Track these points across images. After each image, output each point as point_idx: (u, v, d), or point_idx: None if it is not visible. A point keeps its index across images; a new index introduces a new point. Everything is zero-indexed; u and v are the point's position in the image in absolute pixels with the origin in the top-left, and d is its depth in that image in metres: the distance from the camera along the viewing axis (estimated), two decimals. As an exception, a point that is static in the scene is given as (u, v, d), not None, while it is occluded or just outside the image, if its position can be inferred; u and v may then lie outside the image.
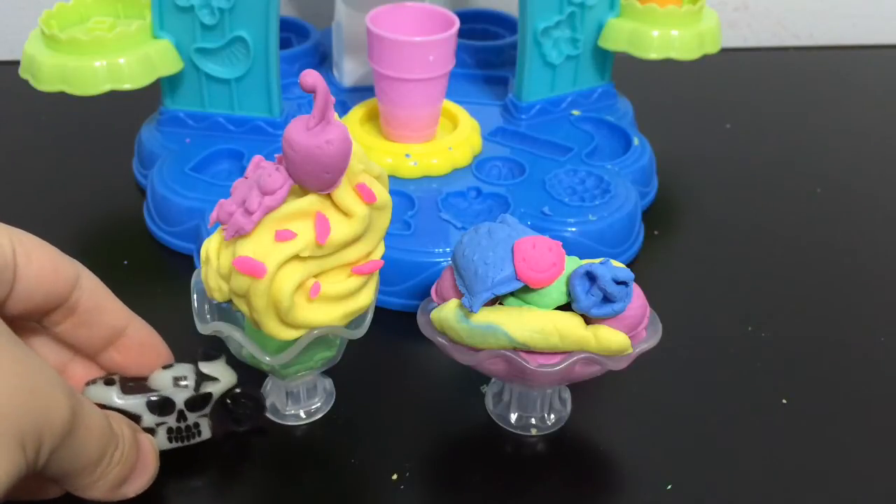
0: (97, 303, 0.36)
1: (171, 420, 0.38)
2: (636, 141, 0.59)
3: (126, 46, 0.52)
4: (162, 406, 0.37)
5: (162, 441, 0.38)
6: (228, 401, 0.39)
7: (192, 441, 0.39)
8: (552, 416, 0.43)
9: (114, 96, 0.53)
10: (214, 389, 0.38)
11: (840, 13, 0.85)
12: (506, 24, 0.72)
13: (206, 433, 0.39)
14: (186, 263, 0.52)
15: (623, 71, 0.64)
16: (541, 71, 0.60)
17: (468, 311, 0.37)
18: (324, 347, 0.39)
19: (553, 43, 0.59)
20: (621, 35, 0.59)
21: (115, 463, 0.32)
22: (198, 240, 0.52)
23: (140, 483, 0.35)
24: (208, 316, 0.39)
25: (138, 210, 0.56)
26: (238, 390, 0.39)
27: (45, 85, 0.51)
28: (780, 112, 0.72)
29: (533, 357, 0.37)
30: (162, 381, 0.38)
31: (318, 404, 0.43)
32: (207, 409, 0.38)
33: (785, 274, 0.54)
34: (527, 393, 0.42)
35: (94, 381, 0.37)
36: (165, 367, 0.38)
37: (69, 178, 0.60)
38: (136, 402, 0.37)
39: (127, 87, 0.52)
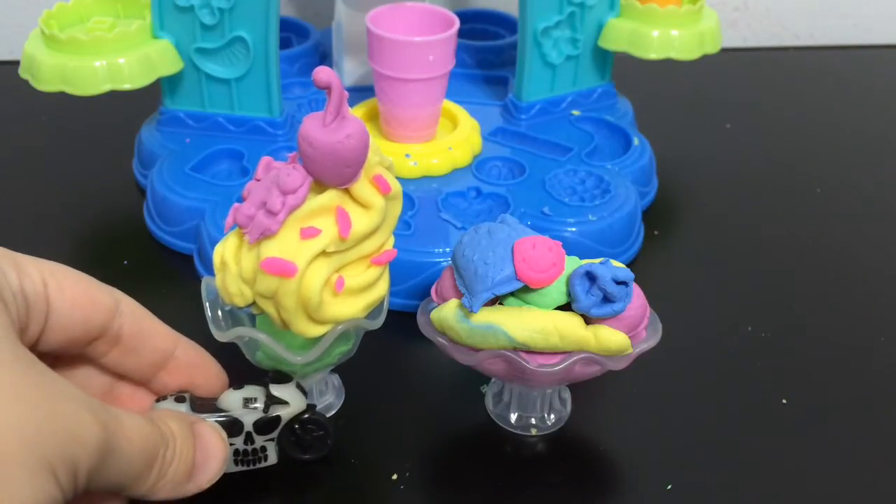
0: (141, 328, 0.35)
1: (238, 442, 0.37)
2: (636, 141, 0.59)
3: (126, 46, 0.52)
4: (230, 427, 0.37)
5: (228, 463, 0.38)
6: (296, 426, 0.39)
7: (259, 465, 0.39)
8: (552, 416, 0.43)
9: (114, 96, 0.53)
10: (284, 413, 0.38)
11: (840, 13, 0.85)
12: (506, 24, 0.72)
13: (272, 458, 0.39)
14: (186, 263, 0.52)
15: (623, 71, 0.64)
16: (541, 71, 0.60)
17: (468, 311, 0.37)
18: (342, 341, 0.39)
19: (553, 43, 0.59)
20: (621, 35, 0.59)
21: (169, 462, 0.32)
22: (198, 240, 0.52)
23: (209, 473, 0.34)
24: (223, 322, 0.39)
25: (138, 210, 0.56)
26: (307, 416, 0.39)
27: (45, 85, 0.51)
28: (780, 112, 0.72)
29: (533, 357, 0.37)
30: (232, 401, 0.37)
31: (331, 400, 0.43)
32: (275, 433, 0.38)
33: (785, 274, 0.54)
34: (527, 393, 0.42)
35: (164, 398, 0.37)
36: (236, 387, 0.38)
37: (69, 178, 0.60)
38: None
39: (127, 87, 0.52)
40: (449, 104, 0.59)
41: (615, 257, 0.51)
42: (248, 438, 0.38)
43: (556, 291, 0.37)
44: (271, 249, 0.34)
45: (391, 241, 0.38)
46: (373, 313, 0.38)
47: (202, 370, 0.38)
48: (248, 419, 0.37)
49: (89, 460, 0.28)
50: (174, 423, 0.33)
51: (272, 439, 0.38)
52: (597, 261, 0.37)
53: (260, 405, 0.38)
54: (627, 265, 0.49)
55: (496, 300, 0.38)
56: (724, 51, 0.64)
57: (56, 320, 0.32)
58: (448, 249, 0.49)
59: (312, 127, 0.33)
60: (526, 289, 0.37)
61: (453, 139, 0.56)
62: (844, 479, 0.41)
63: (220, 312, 0.39)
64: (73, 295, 0.33)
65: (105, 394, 0.37)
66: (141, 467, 0.30)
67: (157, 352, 0.36)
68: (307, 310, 0.35)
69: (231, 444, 0.37)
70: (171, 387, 0.37)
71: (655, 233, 0.57)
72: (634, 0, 0.59)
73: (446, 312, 0.38)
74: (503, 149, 0.58)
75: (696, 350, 0.48)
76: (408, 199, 0.52)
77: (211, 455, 0.34)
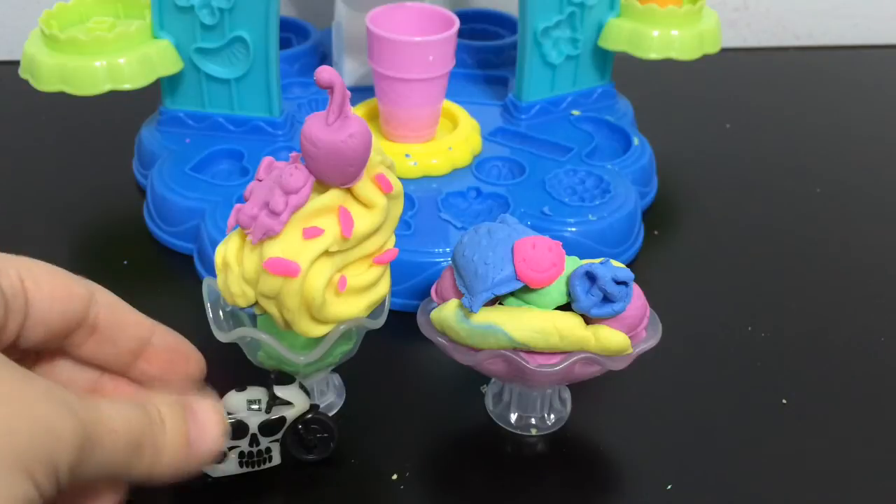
0: (117, 317, 0.35)
1: (243, 444, 0.38)
2: (636, 141, 0.59)
3: (126, 46, 0.52)
4: (235, 429, 0.37)
5: (233, 465, 0.38)
6: (300, 426, 0.39)
7: (263, 467, 0.39)
8: (552, 416, 0.43)
9: (114, 96, 0.53)
10: (288, 414, 0.38)
11: (840, 13, 0.85)
12: (506, 24, 0.72)
13: (276, 459, 0.39)
14: (186, 263, 0.52)
15: (623, 71, 0.64)
16: (541, 71, 0.60)
17: (468, 311, 0.37)
18: (344, 341, 0.39)
19: (553, 43, 0.59)
20: (621, 35, 0.59)
21: (160, 443, 0.31)
22: (197, 240, 0.52)
23: (206, 449, 0.33)
24: (224, 323, 0.39)
25: (138, 210, 0.56)
26: (311, 416, 0.39)
27: (45, 85, 0.51)
28: (780, 112, 0.72)
29: (533, 357, 0.37)
30: (235, 403, 0.37)
31: (332, 399, 0.43)
32: (280, 435, 0.38)
33: (785, 274, 0.54)
34: (527, 393, 0.42)
35: None
36: (238, 389, 0.38)
37: (69, 178, 0.60)
38: None
39: (127, 87, 0.52)
40: (449, 104, 0.59)
41: (615, 257, 0.51)
42: (254, 440, 0.38)
43: (556, 291, 0.37)
44: (274, 249, 0.34)
45: (392, 240, 0.38)
46: (374, 312, 0.39)
47: (180, 356, 0.37)
48: (253, 421, 0.37)
49: (69, 457, 0.27)
50: (164, 404, 0.33)
51: (277, 440, 0.38)
52: (597, 261, 0.37)
53: (264, 406, 0.38)
54: (627, 265, 0.49)
55: (496, 300, 0.38)
56: (724, 51, 0.64)
57: (35, 315, 0.32)
58: (448, 249, 0.49)
59: (315, 126, 0.33)
60: (526, 289, 0.37)
61: (453, 139, 0.56)
62: (844, 478, 0.41)
63: (221, 313, 0.39)
64: (50, 288, 0.33)
65: (90, 389, 0.37)
66: (128, 454, 0.30)
67: (133, 339, 0.36)
68: (310, 310, 0.35)
69: (236, 447, 0.37)
70: (150, 374, 0.37)
71: (655, 233, 0.57)
72: (634, 0, 0.59)
73: (446, 312, 0.38)
74: (503, 149, 0.58)
75: (696, 350, 0.48)
76: (408, 199, 0.52)
77: (207, 430, 0.33)
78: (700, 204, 0.60)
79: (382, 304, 0.39)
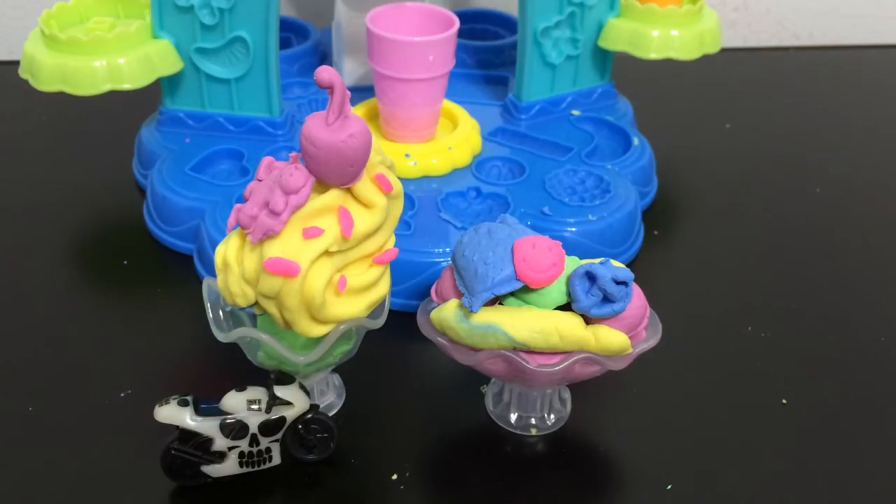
0: None
1: (243, 444, 0.38)
2: (636, 141, 0.59)
3: (126, 46, 0.52)
4: (235, 429, 0.37)
5: (233, 465, 0.38)
6: (300, 426, 0.39)
7: (263, 467, 0.39)
8: (552, 416, 0.43)
9: (114, 96, 0.53)
10: (288, 414, 0.38)
11: (840, 13, 0.85)
12: (506, 24, 0.72)
13: (276, 459, 0.39)
14: (186, 263, 0.52)
15: (623, 71, 0.64)
16: (541, 71, 0.60)
17: (468, 311, 0.37)
18: (344, 341, 0.39)
19: (553, 43, 0.59)
20: (621, 35, 0.59)
21: None
22: (197, 240, 0.52)
23: None
24: (224, 323, 0.39)
25: (138, 210, 0.56)
26: (310, 416, 0.39)
27: (45, 85, 0.51)
28: (780, 112, 0.72)
29: (533, 357, 0.37)
30: (235, 403, 0.37)
31: (332, 399, 0.43)
32: (280, 435, 0.38)
33: (785, 274, 0.54)
34: (527, 393, 0.42)
35: (167, 401, 0.37)
36: (238, 389, 0.38)
37: (69, 178, 0.60)
38: (209, 425, 0.37)
39: (127, 87, 0.52)
40: (449, 104, 0.59)
41: (615, 257, 0.51)
42: (254, 440, 0.38)
43: (556, 291, 0.37)
44: (274, 249, 0.34)
45: (392, 240, 0.38)
46: (374, 313, 0.39)
47: None
48: (253, 421, 0.37)
49: None
50: None
51: (277, 440, 0.38)
52: (597, 261, 0.37)
53: (264, 406, 0.38)
54: (627, 265, 0.49)
55: (496, 300, 0.38)
56: (724, 51, 0.64)
57: None
58: (448, 249, 0.49)
59: (315, 127, 0.33)
60: (526, 289, 0.37)
61: (453, 139, 0.56)
62: (844, 479, 0.41)
63: (221, 313, 0.39)
64: None
65: None
66: None
67: None
68: (310, 310, 0.35)
69: (236, 447, 0.37)
70: None
71: (655, 233, 0.57)
72: (634, 0, 0.59)
73: (446, 312, 0.38)
74: (503, 149, 0.58)
75: (696, 350, 0.48)
76: (408, 199, 0.52)
77: None
78: (700, 204, 0.60)
79: (382, 304, 0.39)
